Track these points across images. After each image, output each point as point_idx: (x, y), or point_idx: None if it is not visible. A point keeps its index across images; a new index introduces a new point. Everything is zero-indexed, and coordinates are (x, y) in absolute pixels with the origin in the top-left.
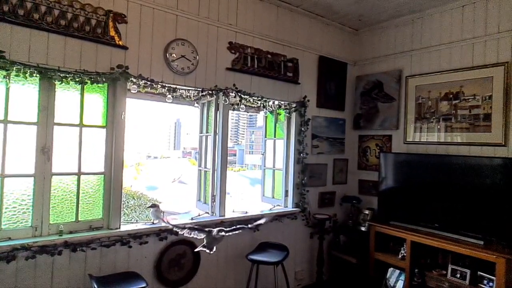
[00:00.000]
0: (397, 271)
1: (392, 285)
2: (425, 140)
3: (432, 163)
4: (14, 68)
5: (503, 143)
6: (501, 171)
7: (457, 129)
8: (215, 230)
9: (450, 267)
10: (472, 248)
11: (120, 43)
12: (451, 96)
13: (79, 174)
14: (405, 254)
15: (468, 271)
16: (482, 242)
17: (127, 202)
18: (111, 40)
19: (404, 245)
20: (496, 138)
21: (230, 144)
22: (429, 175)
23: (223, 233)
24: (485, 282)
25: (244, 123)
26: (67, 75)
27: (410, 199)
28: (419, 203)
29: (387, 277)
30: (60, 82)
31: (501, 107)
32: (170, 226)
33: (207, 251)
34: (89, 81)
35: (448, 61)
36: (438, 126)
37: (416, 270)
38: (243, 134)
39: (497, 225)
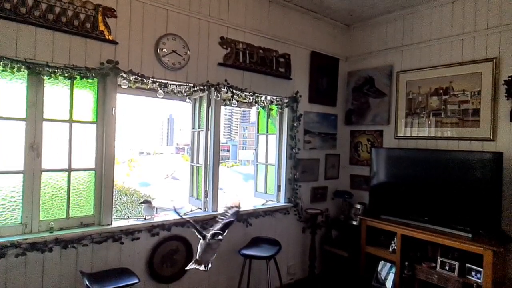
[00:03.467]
0: (388, 264)
1: (383, 278)
2: (416, 135)
3: (422, 157)
4: (1, 63)
5: (491, 138)
6: (488, 165)
7: (447, 124)
8: (209, 235)
9: (439, 259)
10: (461, 240)
11: (110, 37)
12: (441, 91)
13: (69, 170)
14: (395, 248)
15: (456, 263)
16: (470, 235)
17: (120, 198)
18: (100, 34)
19: (395, 239)
20: (484, 132)
21: (223, 139)
22: (419, 170)
23: (220, 237)
24: (473, 273)
25: (237, 119)
26: (56, 70)
27: (400, 193)
28: (410, 197)
29: (378, 270)
30: (48, 77)
31: (489, 102)
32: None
33: (201, 268)
34: (78, 77)
35: (438, 56)
36: (429, 121)
37: (406, 263)
38: (237, 129)
39: (484, 218)
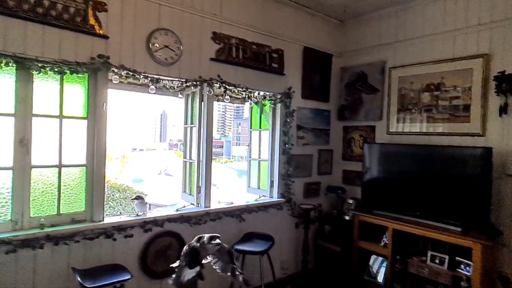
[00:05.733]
0: (380, 258)
1: (375, 271)
2: (408, 131)
3: (414, 153)
4: None
5: (481, 133)
6: (478, 160)
7: (438, 119)
8: (206, 237)
9: (429, 253)
10: (451, 234)
11: (101, 32)
12: (432, 87)
13: (60, 166)
14: (387, 242)
15: (446, 257)
16: (460, 229)
17: (113, 195)
18: (91, 29)
19: (386, 233)
20: (474, 128)
21: (217, 136)
22: (411, 165)
23: (218, 241)
24: (462, 266)
25: (231, 115)
26: (46, 65)
27: (392, 189)
28: (402, 192)
29: (370, 264)
30: (38, 72)
31: (479, 98)
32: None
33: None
34: (68, 71)
35: (430, 53)
36: (420, 117)
37: (397, 257)
38: (230, 125)
39: (474, 212)
